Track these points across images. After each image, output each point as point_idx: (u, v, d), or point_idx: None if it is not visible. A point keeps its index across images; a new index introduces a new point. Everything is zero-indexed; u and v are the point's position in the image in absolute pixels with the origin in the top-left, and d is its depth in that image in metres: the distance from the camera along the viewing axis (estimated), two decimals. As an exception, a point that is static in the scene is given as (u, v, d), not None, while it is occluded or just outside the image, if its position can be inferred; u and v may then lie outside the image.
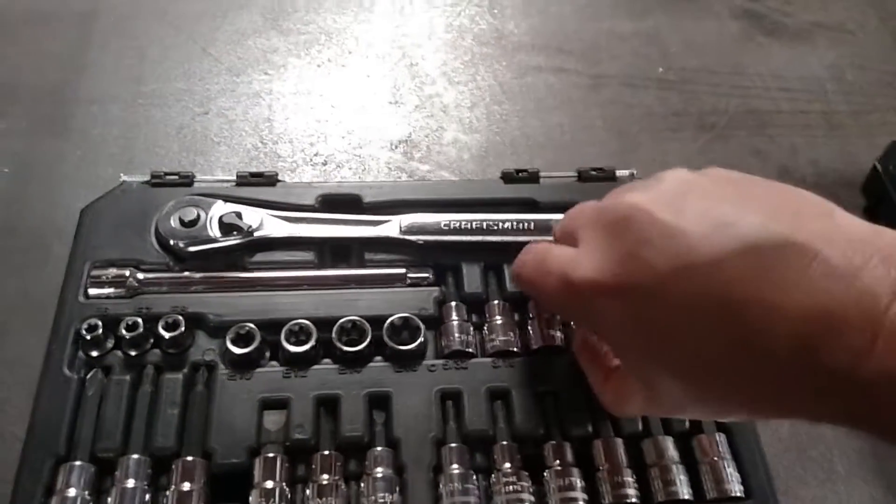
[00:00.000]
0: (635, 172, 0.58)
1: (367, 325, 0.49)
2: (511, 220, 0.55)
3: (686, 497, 0.44)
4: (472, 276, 0.53)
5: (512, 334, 0.50)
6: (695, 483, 0.45)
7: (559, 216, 0.55)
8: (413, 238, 0.54)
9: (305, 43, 0.74)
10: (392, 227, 0.55)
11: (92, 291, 0.50)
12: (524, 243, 0.54)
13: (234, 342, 0.48)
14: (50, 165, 0.63)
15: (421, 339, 0.49)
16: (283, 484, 0.43)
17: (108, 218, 0.54)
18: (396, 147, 0.66)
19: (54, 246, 0.57)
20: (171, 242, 0.53)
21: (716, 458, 0.46)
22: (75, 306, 0.50)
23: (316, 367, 0.48)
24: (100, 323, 0.48)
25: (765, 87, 0.75)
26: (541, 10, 0.79)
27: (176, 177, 0.57)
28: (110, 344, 0.49)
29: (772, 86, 0.75)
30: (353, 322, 0.50)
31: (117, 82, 0.69)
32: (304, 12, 0.77)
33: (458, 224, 0.55)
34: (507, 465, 0.45)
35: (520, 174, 0.59)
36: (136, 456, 0.44)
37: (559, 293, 0.39)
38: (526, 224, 0.55)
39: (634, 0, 0.81)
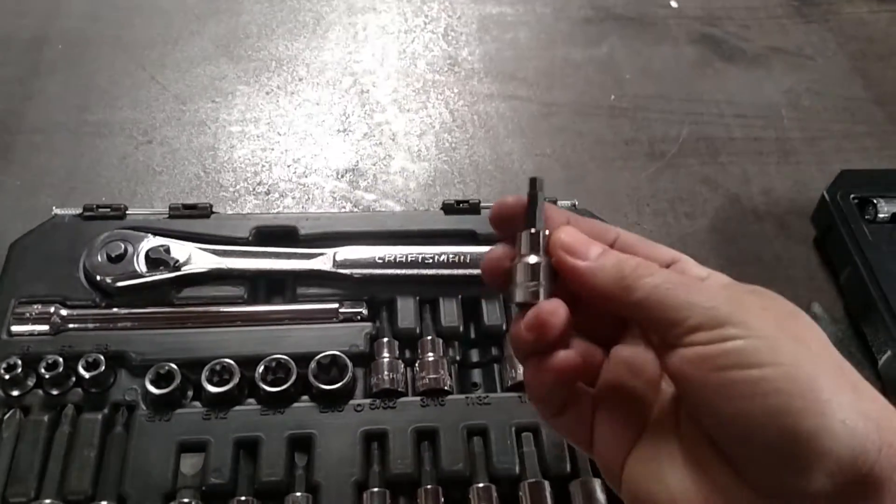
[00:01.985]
0: (577, 203, 0.58)
1: (293, 364, 0.48)
2: (447, 253, 0.54)
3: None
4: (406, 311, 0.52)
5: (443, 371, 0.49)
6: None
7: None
8: (346, 272, 0.53)
9: (255, 70, 0.74)
10: (325, 260, 0.54)
11: (15, 328, 0.49)
12: (460, 276, 0.54)
13: (154, 382, 0.47)
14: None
15: (348, 378, 0.48)
16: (197, 531, 0.42)
17: (37, 252, 0.53)
18: (342, 176, 0.66)
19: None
20: (98, 278, 0.52)
21: None
22: (-2, 344, 0.49)
23: (238, 407, 0.47)
24: (19, 362, 0.47)
25: (719, 113, 0.74)
26: (495, 38, 0.79)
27: (108, 209, 0.56)
28: (31, 382, 0.48)
29: (726, 112, 0.74)
30: (278, 360, 0.48)
31: (63, 110, 0.69)
32: (256, 38, 0.77)
33: (392, 258, 0.54)
34: (432, 509, 0.44)
35: (460, 205, 0.58)
36: (48, 501, 0.43)
37: None
38: (462, 257, 0.54)
39: (590, 26, 0.81)
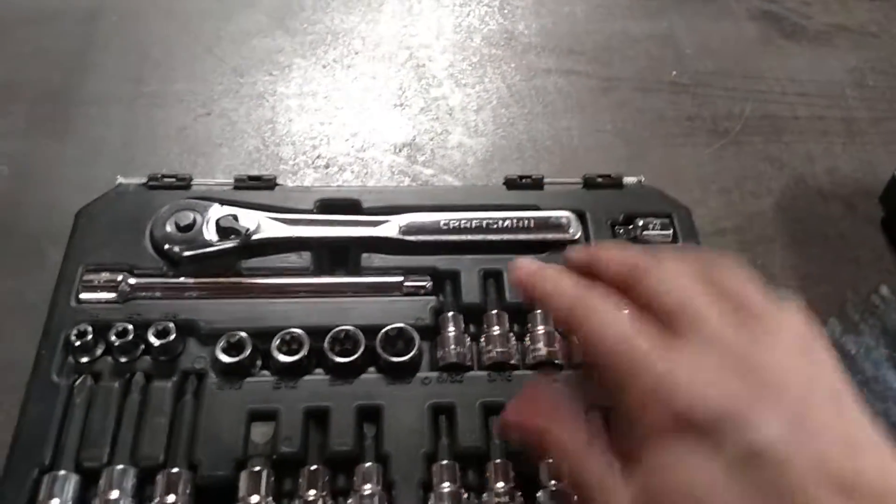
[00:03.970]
0: (643, 180, 0.57)
1: (361, 335, 0.48)
2: (511, 218, 0.54)
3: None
4: (470, 285, 0.52)
5: (510, 346, 0.49)
6: None
7: (561, 213, 0.54)
8: (411, 238, 0.53)
9: (311, 43, 0.73)
10: (390, 227, 0.54)
11: (84, 296, 0.50)
12: (525, 242, 0.53)
13: (225, 351, 0.47)
14: (48, 167, 0.62)
15: (415, 351, 0.48)
16: (269, 498, 0.42)
17: (103, 221, 0.53)
18: (400, 150, 0.65)
19: (50, 249, 0.56)
20: (166, 247, 0.52)
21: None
22: (66, 311, 0.49)
23: (307, 377, 0.47)
24: (90, 329, 0.47)
25: (782, 91, 0.72)
26: (552, 11, 0.78)
27: (173, 179, 0.56)
28: (100, 350, 0.48)
29: (789, 90, 0.73)
30: (346, 332, 0.48)
31: (119, 82, 0.69)
32: (311, 12, 0.76)
33: (457, 223, 0.54)
34: (501, 484, 0.44)
35: (523, 180, 0.57)
36: (121, 466, 0.43)
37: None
38: (527, 222, 0.54)
39: (649, 0, 0.79)
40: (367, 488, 0.43)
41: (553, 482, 0.44)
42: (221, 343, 0.47)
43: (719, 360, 0.31)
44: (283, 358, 0.47)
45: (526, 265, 0.39)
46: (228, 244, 0.52)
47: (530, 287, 0.38)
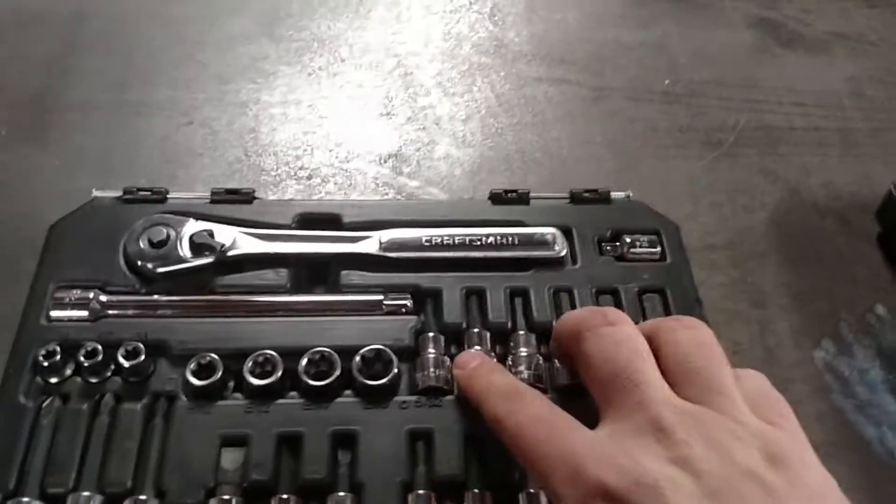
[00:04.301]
0: (631, 195, 0.55)
1: (337, 357, 0.47)
2: (495, 235, 0.52)
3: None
4: (452, 303, 0.50)
5: (490, 369, 0.47)
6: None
7: (546, 229, 0.53)
8: (392, 255, 0.52)
9: (297, 50, 0.72)
10: (371, 243, 0.52)
11: (54, 314, 0.48)
12: (509, 259, 0.52)
13: (195, 373, 0.46)
14: (26, 175, 0.61)
15: (393, 373, 0.47)
16: (238, 529, 0.41)
17: (77, 236, 0.52)
18: (385, 161, 0.64)
19: (26, 262, 0.55)
20: (139, 263, 0.50)
21: None
22: (36, 329, 0.48)
23: (280, 401, 0.46)
24: (58, 349, 0.46)
25: (778, 101, 0.71)
26: (543, 18, 0.76)
27: (149, 193, 0.55)
28: (70, 370, 0.47)
29: (785, 100, 0.71)
30: (322, 353, 0.47)
31: (101, 88, 0.67)
32: (298, 18, 0.75)
33: (439, 240, 0.52)
34: (478, 514, 0.42)
35: (508, 195, 0.56)
36: (86, 493, 0.42)
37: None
38: (511, 238, 0.53)
39: (642, 8, 0.78)
40: (340, 518, 0.42)
41: (532, 513, 0.42)
42: (192, 365, 0.46)
43: (641, 429, 0.32)
44: (255, 381, 0.46)
45: (466, 361, 0.44)
46: (202, 261, 0.51)
47: (467, 385, 0.43)
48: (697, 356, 0.34)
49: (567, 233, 0.53)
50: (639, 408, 0.32)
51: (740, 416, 0.32)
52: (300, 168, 0.63)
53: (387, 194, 0.61)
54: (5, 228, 0.58)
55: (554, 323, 0.49)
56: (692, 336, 0.36)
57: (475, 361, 0.43)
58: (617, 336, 0.36)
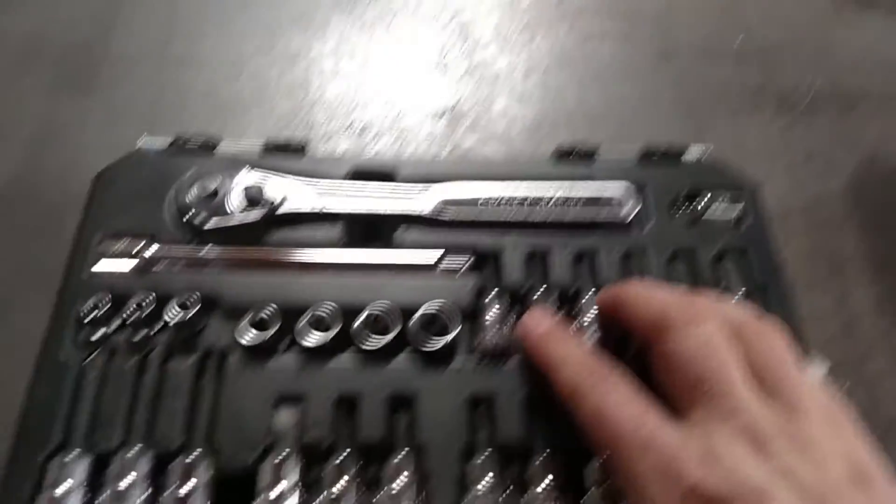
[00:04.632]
0: (708, 152, 0.52)
1: (395, 316, 0.44)
2: (560, 194, 0.49)
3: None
4: (513, 265, 0.48)
5: (556, 332, 0.45)
6: None
7: (615, 188, 0.50)
8: (451, 212, 0.49)
9: (350, 0, 0.69)
10: (428, 200, 0.50)
11: (99, 266, 0.47)
12: (574, 221, 0.49)
13: (250, 329, 0.44)
14: (72, 127, 0.59)
15: (453, 335, 0.44)
16: (295, 488, 0.39)
17: (123, 185, 0.50)
18: (440, 117, 0.61)
19: (70, 214, 0.53)
20: (189, 215, 0.48)
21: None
22: (80, 281, 0.46)
23: (335, 359, 0.44)
24: (104, 301, 0.44)
25: (855, 64, 0.67)
26: (608, -29, 0.72)
27: (198, 143, 0.53)
28: (116, 324, 0.45)
29: (863, 63, 0.67)
30: (379, 312, 0.45)
31: (148, 40, 0.65)
32: (350, -33, 0.72)
33: (500, 198, 0.50)
34: (545, 482, 0.40)
35: (573, 152, 0.53)
36: (135, 450, 0.40)
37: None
38: (577, 198, 0.50)
39: (713, -39, 0.73)
40: (401, 480, 0.40)
41: (606, 482, 0.40)
42: (246, 320, 0.44)
43: (736, 436, 0.30)
44: (311, 338, 0.44)
45: (536, 322, 0.41)
46: (254, 214, 0.49)
47: (537, 349, 0.39)
48: (781, 368, 0.33)
49: (638, 192, 0.50)
50: (731, 415, 0.31)
51: (823, 431, 0.31)
52: (352, 122, 0.60)
53: (441, 151, 0.59)
54: (49, 179, 0.56)
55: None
56: (776, 345, 0.34)
57: (546, 323, 0.41)
58: (707, 338, 0.33)
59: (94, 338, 0.44)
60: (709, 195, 0.50)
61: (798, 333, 0.45)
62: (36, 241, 0.52)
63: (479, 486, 0.39)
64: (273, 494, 0.39)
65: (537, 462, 0.41)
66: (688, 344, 0.33)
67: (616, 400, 0.33)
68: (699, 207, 0.50)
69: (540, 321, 0.41)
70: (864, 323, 0.51)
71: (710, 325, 0.34)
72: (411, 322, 0.44)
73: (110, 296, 0.45)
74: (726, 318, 0.34)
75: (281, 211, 0.49)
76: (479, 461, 0.41)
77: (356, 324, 0.44)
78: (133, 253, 0.47)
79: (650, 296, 0.37)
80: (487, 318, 0.45)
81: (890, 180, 0.59)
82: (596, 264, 0.48)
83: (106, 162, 0.51)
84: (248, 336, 0.43)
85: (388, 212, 0.49)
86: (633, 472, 0.31)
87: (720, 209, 0.50)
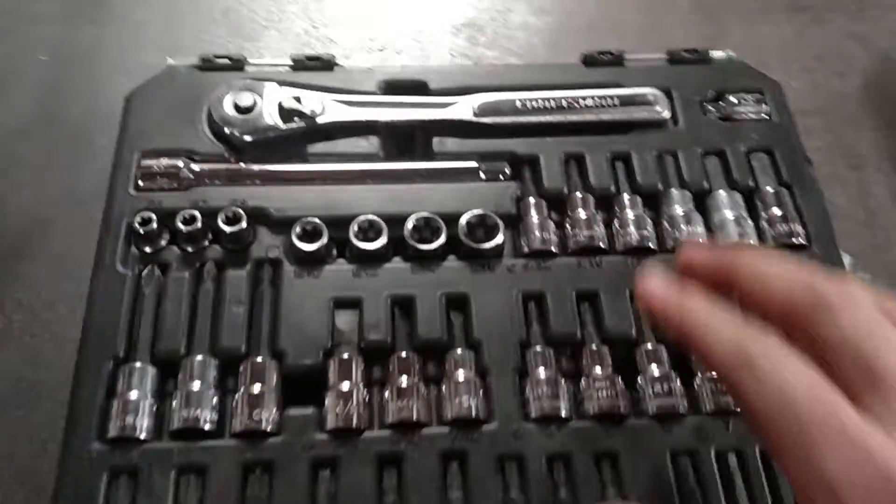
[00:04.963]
0: (734, 55, 0.53)
1: (442, 222, 0.45)
2: (593, 96, 0.50)
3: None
4: (551, 169, 0.49)
5: (597, 230, 0.46)
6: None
7: (647, 89, 0.50)
8: (486, 120, 0.50)
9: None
10: (463, 108, 0.50)
11: (143, 183, 0.47)
12: (609, 122, 0.50)
13: (301, 238, 0.44)
14: (89, 53, 0.58)
15: (499, 238, 0.45)
16: (361, 386, 0.41)
17: (156, 104, 0.50)
18: (459, 31, 0.61)
19: (97, 137, 0.53)
20: (227, 131, 0.48)
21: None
22: (126, 199, 0.46)
23: (387, 265, 0.45)
24: (154, 216, 0.44)
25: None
26: None
27: (226, 60, 0.52)
28: (165, 240, 0.45)
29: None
30: (426, 218, 0.45)
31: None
32: None
33: (535, 103, 0.50)
34: (598, 369, 0.42)
35: (602, 56, 0.53)
36: (200, 356, 0.41)
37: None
38: (610, 99, 0.50)
39: None
40: (461, 374, 0.41)
41: (653, 366, 0.42)
42: (296, 230, 0.44)
43: None
44: (362, 245, 0.44)
45: (660, 286, 0.33)
46: (293, 128, 0.49)
47: (671, 318, 0.32)
48: None
49: (667, 94, 0.51)
50: None
51: None
52: (371, 39, 0.60)
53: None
54: (74, 105, 0.56)
55: (659, 187, 0.48)
56: None
57: (673, 284, 0.34)
58: (876, 325, 0.28)
59: (146, 251, 0.44)
60: (734, 95, 0.51)
61: (826, 226, 0.47)
62: (69, 164, 0.52)
63: (538, 376, 0.41)
64: (342, 389, 0.40)
65: (591, 350, 0.42)
66: (856, 331, 0.28)
67: (796, 377, 0.28)
68: (727, 107, 0.51)
69: (663, 284, 0.34)
70: (883, 215, 0.53)
71: (872, 310, 0.29)
72: (459, 226, 0.45)
73: (158, 212, 0.45)
74: (878, 303, 0.30)
75: (319, 122, 0.49)
76: (534, 353, 0.42)
77: (406, 230, 0.45)
78: (174, 170, 0.47)
79: (787, 270, 0.31)
80: (530, 221, 0.47)
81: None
82: (633, 165, 0.49)
83: (127, 85, 0.51)
84: (301, 245, 0.44)
85: (425, 120, 0.50)
86: (825, 466, 0.26)
87: (746, 109, 0.51)
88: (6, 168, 0.52)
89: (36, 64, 0.57)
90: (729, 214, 0.46)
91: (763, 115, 0.51)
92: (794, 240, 0.46)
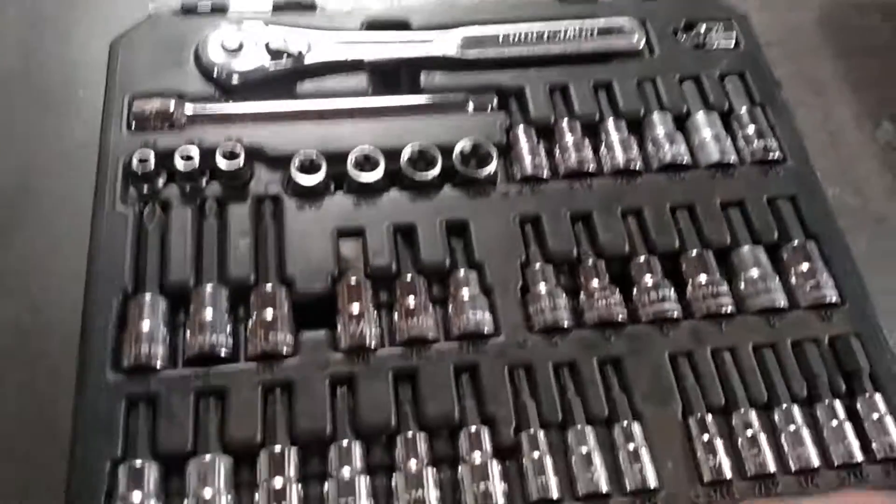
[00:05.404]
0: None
1: (437, 151, 0.47)
2: (574, 27, 0.52)
3: (781, 305, 0.44)
4: (537, 99, 0.50)
5: (586, 153, 0.48)
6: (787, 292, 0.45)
7: (623, 19, 0.52)
8: (472, 53, 0.51)
9: None
10: (448, 43, 0.51)
11: (136, 125, 0.47)
12: (589, 53, 0.51)
13: (301, 170, 0.45)
14: (61, 5, 0.57)
15: (493, 165, 0.47)
16: (370, 307, 0.42)
17: (142, 50, 0.50)
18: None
19: (79, 89, 0.53)
20: (215, 72, 0.49)
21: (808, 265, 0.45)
22: (120, 140, 0.46)
23: (387, 195, 0.46)
24: (151, 154, 0.45)
25: None
26: None
27: (208, 4, 0.52)
28: (162, 180, 0.45)
29: None
30: (422, 149, 0.47)
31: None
32: None
33: (517, 36, 0.52)
34: (595, 281, 0.44)
35: (575, -8, 0.55)
36: (210, 286, 0.42)
37: None
38: (589, 30, 0.52)
39: None
40: (466, 292, 0.43)
41: (647, 276, 0.44)
42: (295, 163, 0.45)
43: None
44: (361, 176, 0.45)
45: None
46: (281, 66, 0.49)
47: None
48: None
49: (641, 24, 0.53)
50: None
51: None
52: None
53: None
54: (51, 58, 0.55)
55: (641, 113, 0.50)
56: None
57: None
58: None
59: (144, 191, 0.45)
60: (705, 25, 0.54)
61: (798, 141, 0.50)
62: (56, 112, 0.52)
63: (539, 290, 0.43)
64: (353, 311, 0.41)
65: (588, 266, 0.44)
66: None
67: None
68: (698, 37, 0.53)
69: None
70: (848, 133, 0.56)
71: None
72: (454, 155, 0.47)
73: (154, 152, 0.45)
74: None
75: (307, 61, 0.49)
76: (533, 270, 0.44)
77: (402, 160, 0.46)
78: (167, 110, 0.47)
79: None
80: (520, 148, 0.48)
81: (852, 11, 0.63)
82: (614, 92, 0.51)
83: (105, 37, 0.51)
84: (301, 178, 0.45)
85: (411, 56, 0.51)
86: None
87: (717, 38, 0.53)
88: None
89: (7, 21, 0.56)
90: (708, 133, 0.49)
91: (732, 43, 0.53)
92: (770, 154, 0.48)
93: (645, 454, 0.38)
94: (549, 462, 0.38)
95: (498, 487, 0.37)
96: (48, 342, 0.44)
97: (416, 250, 0.44)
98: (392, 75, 0.52)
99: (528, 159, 0.47)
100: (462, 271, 0.43)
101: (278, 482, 0.36)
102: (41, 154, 0.50)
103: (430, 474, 0.37)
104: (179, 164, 0.44)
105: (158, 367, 0.39)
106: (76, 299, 0.41)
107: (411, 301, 0.42)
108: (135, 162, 0.44)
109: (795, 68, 0.59)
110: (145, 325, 0.40)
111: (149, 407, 0.38)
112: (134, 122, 0.47)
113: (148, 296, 0.41)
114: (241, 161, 0.45)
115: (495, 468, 0.37)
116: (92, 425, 0.38)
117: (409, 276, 0.43)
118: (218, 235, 0.44)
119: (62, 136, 0.51)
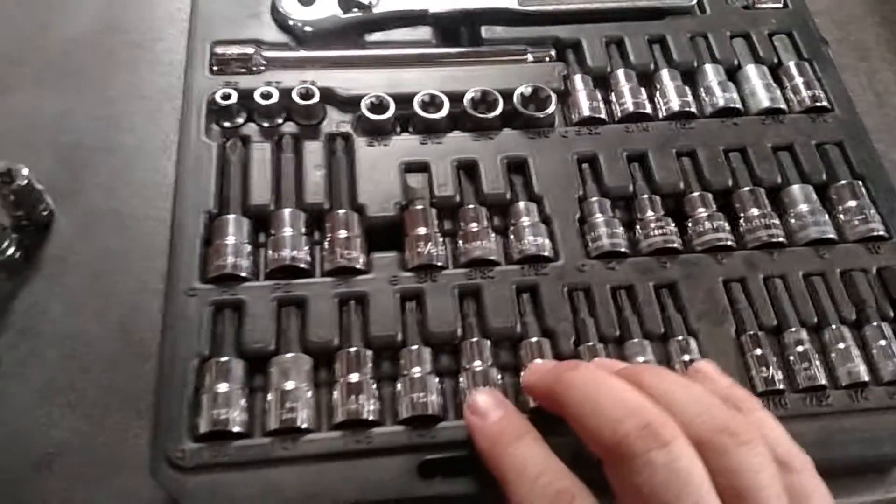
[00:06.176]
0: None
1: (498, 95, 0.49)
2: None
3: (831, 236, 0.45)
4: (594, 50, 0.53)
5: (642, 99, 0.50)
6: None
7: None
8: (531, 8, 0.54)
9: None
10: (509, -3, 0.54)
11: (217, 68, 0.50)
12: (642, 9, 0.54)
13: (370, 110, 0.48)
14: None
15: (552, 108, 0.49)
16: (435, 230, 0.44)
17: (222, 1, 0.53)
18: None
19: (156, 45, 0.56)
20: (290, 21, 0.52)
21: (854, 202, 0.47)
22: (204, 81, 0.49)
23: (451, 134, 0.49)
24: (233, 92, 0.48)
25: None
26: None
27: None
28: (242, 119, 0.49)
29: None
30: (483, 92, 0.49)
31: None
32: None
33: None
34: (650, 212, 0.46)
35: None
36: (289, 209, 0.44)
37: None
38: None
39: None
40: (526, 220, 0.45)
41: (701, 209, 0.46)
42: (366, 102, 0.48)
43: None
44: (426, 115, 0.48)
45: (484, 409, 0.37)
46: (353, 17, 0.52)
47: (489, 451, 0.35)
48: (752, 489, 0.29)
49: (694, -18, 0.56)
50: None
51: None
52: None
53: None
54: (131, 13, 0.58)
55: (694, 64, 0.52)
56: (745, 457, 0.30)
57: (497, 412, 0.36)
58: (674, 469, 0.29)
59: (226, 126, 0.48)
60: (754, -16, 0.56)
61: (844, 94, 0.52)
62: (129, 70, 0.55)
63: (596, 219, 0.45)
64: (419, 233, 0.44)
65: (643, 199, 0.47)
66: (654, 480, 0.28)
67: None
68: (748, -5, 0.56)
69: (488, 405, 0.37)
70: (892, 96, 0.58)
71: (675, 447, 0.29)
72: (514, 97, 0.49)
73: (235, 91, 0.48)
74: (691, 433, 0.30)
75: (375, 11, 0.53)
76: (590, 203, 0.46)
77: (465, 101, 0.49)
78: (246, 55, 0.50)
79: (599, 405, 0.31)
80: (577, 94, 0.51)
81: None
82: (668, 45, 0.53)
83: (183, -2, 0.54)
84: (371, 116, 0.48)
85: (473, 7, 0.54)
86: None
87: (765, -3, 0.56)
88: (74, 71, 0.55)
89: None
90: (759, 83, 0.51)
91: (780, 4, 0.56)
92: (818, 104, 0.50)
93: (700, 365, 0.40)
94: (608, 370, 0.40)
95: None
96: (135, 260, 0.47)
97: (479, 184, 0.47)
98: (454, 30, 0.54)
99: (585, 104, 0.50)
100: (522, 203, 0.46)
101: (354, 377, 0.39)
102: (123, 97, 0.54)
103: (494, 374, 0.39)
104: (260, 101, 0.48)
105: (243, 276, 0.42)
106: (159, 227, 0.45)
107: (474, 226, 0.45)
108: (218, 97, 0.48)
109: (841, 35, 0.61)
110: (230, 240, 0.43)
111: (234, 313, 0.41)
112: (216, 66, 0.50)
113: (232, 216, 0.44)
114: (315, 100, 0.48)
115: (557, 373, 0.39)
116: (181, 328, 0.40)
117: (471, 205, 0.46)
118: (295, 167, 0.47)
119: (140, 87, 0.54)
